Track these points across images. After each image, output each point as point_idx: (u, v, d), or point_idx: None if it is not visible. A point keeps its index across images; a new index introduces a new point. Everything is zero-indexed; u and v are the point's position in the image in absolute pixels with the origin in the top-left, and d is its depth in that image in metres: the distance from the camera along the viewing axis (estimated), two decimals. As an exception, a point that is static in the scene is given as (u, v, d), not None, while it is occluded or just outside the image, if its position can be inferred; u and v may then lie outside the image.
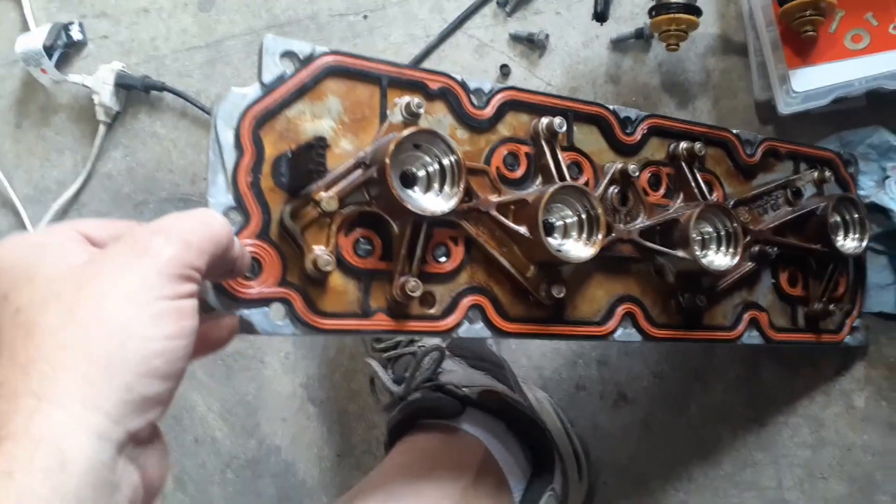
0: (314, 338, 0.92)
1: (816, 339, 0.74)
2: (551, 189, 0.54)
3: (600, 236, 0.55)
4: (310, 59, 0.50)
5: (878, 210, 0.79)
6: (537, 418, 0.77)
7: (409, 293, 0.50)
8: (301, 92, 0.49)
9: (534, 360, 0.87)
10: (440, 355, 0.75)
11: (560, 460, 0.77)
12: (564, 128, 0.57)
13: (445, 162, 0.51)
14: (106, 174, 0.99)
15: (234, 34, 0.98)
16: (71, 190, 0.98)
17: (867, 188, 0.80)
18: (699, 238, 0.63)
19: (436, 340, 0.79)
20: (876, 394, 0.80)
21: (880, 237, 0.80)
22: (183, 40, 1.00)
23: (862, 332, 0.78)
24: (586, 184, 0.60)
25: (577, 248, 0.56)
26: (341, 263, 0.50)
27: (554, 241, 0.56)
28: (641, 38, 0.88)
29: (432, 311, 0.53)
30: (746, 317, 0.68)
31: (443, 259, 0.54)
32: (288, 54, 0.49)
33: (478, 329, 0.54)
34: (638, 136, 0.64)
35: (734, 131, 0.70)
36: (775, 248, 0.70)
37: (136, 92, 0.98)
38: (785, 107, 0.78)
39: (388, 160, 0.47)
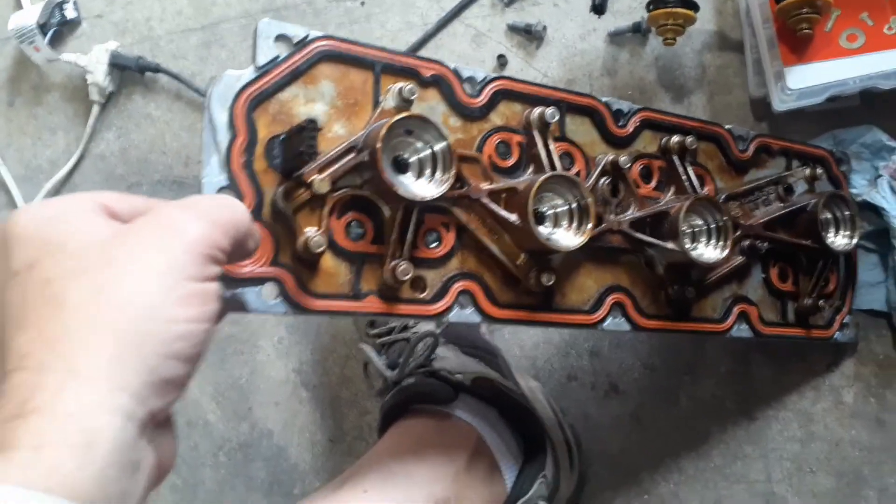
0: (307, 322, 0.92)
1: (806, 335, 0.74)
2: (542, 178, 0.54)
3: (590, 226, 0.56)
4: (304, 42, 0.50)
5: (870, 208, 0.79)
6: (530, 406, 0.77)
7: (400, 277, 0.50)
8: (294, 75, 0.49)
9: (526, 350, 0.88)
10: (434, 341, 0.75)
11: (552, 448, 0.78)
12: (557, 118, 0.58)
13: (437, 148, 0.51)
14: (99, 155, 0.99)
15: (230, 17, 0.98)
16: (63, 170, 0.98)
17: (859, 187, 0.80)
18: (689, 230, 0.64)
19: (430, 326, 0.79)
20: (865, 390, 0.81)
21: (871, 235, 0.80)
22: (178, 22, 0.99)
23: (852, 328, 0.78)
24: (578, 174, 0.60)
25: (567, 237, 0.56)
26: (333, 246, 0.50)
27: (544, 230, 0.56)
28: (639, 32, 0.88)
29: (423, 295, 0.53)
30: (736, 310, 0.69)
31: (434, 245, 0.54)
32: (282, 38, 0.49)
33: (467, 314, 0.55)
34: (630, 128, 0.64)
35: (727, 126, 0.70)
36: (765, 243, 0.70)
37: (130, 73, 0.98)
38: (779, 104, 0.79)
39: (379, 144, 0.47)
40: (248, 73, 0.48)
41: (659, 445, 0.84)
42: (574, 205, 0.56)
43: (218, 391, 0.93)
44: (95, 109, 0.98)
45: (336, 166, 0.49)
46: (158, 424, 0.37)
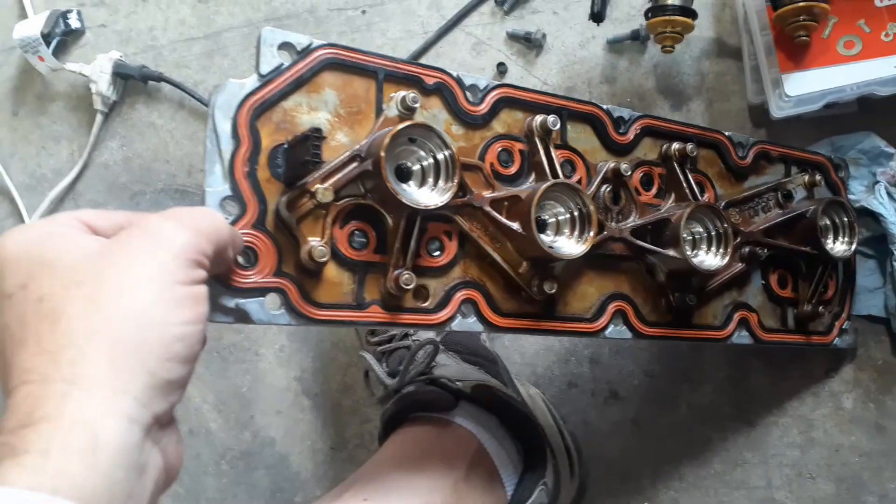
0: (308, 330, 0.92)
1: (806, 341, 0.74)
2: (544, 186, 0.54)
3: (592, 234, 0.56)
4: (307, 51, 0.50)
5: (868, 214, 0.79)
6: (530, 414, 0.77)
7: (403, 286, 0.50)
8: (298, 84, 0.50)
9: (527, 357, 0.88)
10: (434, 349, 0.75)
11: (552, 456, 0.78)
12: (558, 126, 0.58)
13: (440, 156, 0.51)
14: (102, 164, 0.99)
15: (233, 26, 0.98)
16: (67, 179, 0.98)
17: (857, 193, 0.80)
18: (690, 238, 0.64)
19: (430, 334, 0.79)
20: (864, 396, 0.81)
21: (870, 241, 0.81)
22: (181, 31, 1.00)
23: (851, 334, 0.79)
24: (579, 182, 0.60)
25: (569, 245, 0.56)
26: (336, 255, 0.50)
27: (546, 238, 0.56)
28: (637, 39, 0.89)
29: (426, 304, 0.53)
30: (736, 317, 0.69)
31: (437, 253, 0.54)
32: (285, 46, 0.50)
33: (470, 323, 0.55)
34: (631, 135, 0.64)
35: (726, 133, 0.71)
36: (765, 250, 0.70)
37: (133, 82, 0.98)
38: (777, 110, 0.79)
39: (383, 153, 0.48)
40: (252, 82, 0.48)
41: (659, 452, 0.84)
42: (576, 212, 0.57)
43: (220, 400, 0.93)
44: (99, 118, 0.98)
45: (339, 175, 0.49)
46: (162, 426, 0.38)
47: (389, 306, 0.52)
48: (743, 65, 0.86)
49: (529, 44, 0.92)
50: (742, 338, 0.69)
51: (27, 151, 1.02)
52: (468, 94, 0.56)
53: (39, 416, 0.33)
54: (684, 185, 0.65)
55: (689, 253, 0.62)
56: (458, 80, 0.56)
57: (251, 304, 0.47)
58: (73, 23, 1.00)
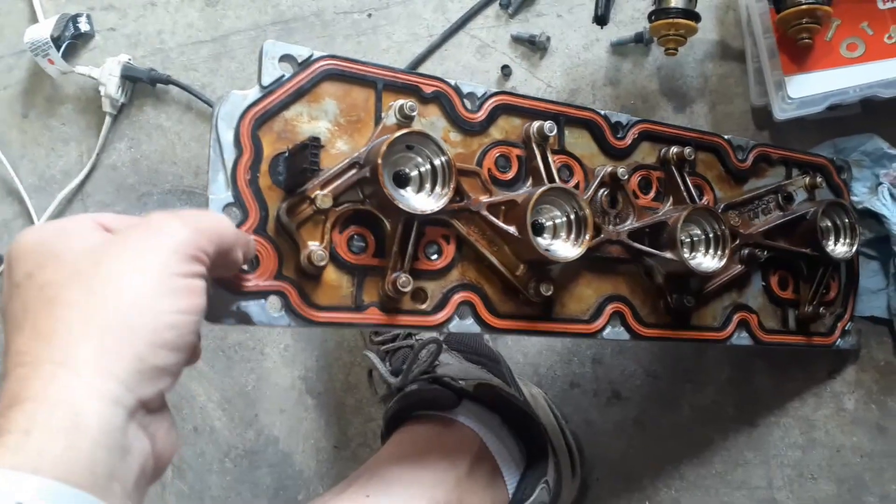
0: (313, 330, 0.93)
1: (807, 342, 0.75)
2: (540, 190, 0.55)
3: (588, 237, 0.57)
4: (307, 62, 0.51)
5: (871, 216, 0.80)
6: (532, 413, 0.78)
7: (401, 289, 0.52)
8: (299, 94, 0.51)
9: (529, 357, 0.89)
10: (437, 348, 0.76)
11: (554, 455, 0.78)
12: (555, 132, 0.59)
13: (436, 163, 0.52)
14: (110, 165, 1.01)
15: (240, 29, 1.00)
16: (76, 180, 1.00)
17: (860, 194, 0.80)
18: (687, 240, 0.65)
19: (433, 334, 0.80)
20: (866, 396, 0.82)
21: (872, 242, 0.81)
22: (189, 34, 1.01)
23: (854, 335, 0.79)
24: (576, 186, 0.61)
25: (565, 248, 0.57)
26: (335, 259, 0.52)
27: (543, 241, 0.57)
28: (641, 42, 0.89)
29: (423, 306, 0.54)
30: (736, 318, 0.69)
31: (434, 256, 0.55)
32: (287, 58, 0.51)
33: (468, 324, 0.56)
34: (629, 140, 0.65)
35: (726, 137, 0.71)
36: (765, 252, 0.71)
37: (141, 84, 1.00)
38: (780, 113, 0.79)
39: (380, 160, 0.49)
40: (254, 93, 0.50)
41: (661, 452, 0.85)
42: (572, 216, 0.58)
43: (224, 398, 0.94)
44: (107, 120, 1.00)
45: (338, 182, 0.50)
46: (151, 411, 0.39)
47: (388, 308, 0.53)
48: (746, 67, 0.86)
49: (534, 46, 0.92)
50: (742, 339, 0.70)
51: (37, 153, 1.03)
52: (466, 101, 0.57)
53: (25, 397, 0.35)
54: (682, 188, 0.66)
55: (686, 255, 0.63)
56: (456, 89, 0.57)
57: (252, 307, 0.48)
58: (83, 26, 1.02)
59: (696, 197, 0.66)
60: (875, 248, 0.81)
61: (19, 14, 1.06)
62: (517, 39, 0.93)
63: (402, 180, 0.53)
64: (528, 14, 0.93)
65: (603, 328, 0.62)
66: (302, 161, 0.48)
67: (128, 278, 0.38)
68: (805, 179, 0.75)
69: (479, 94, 0.58)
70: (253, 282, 0.48)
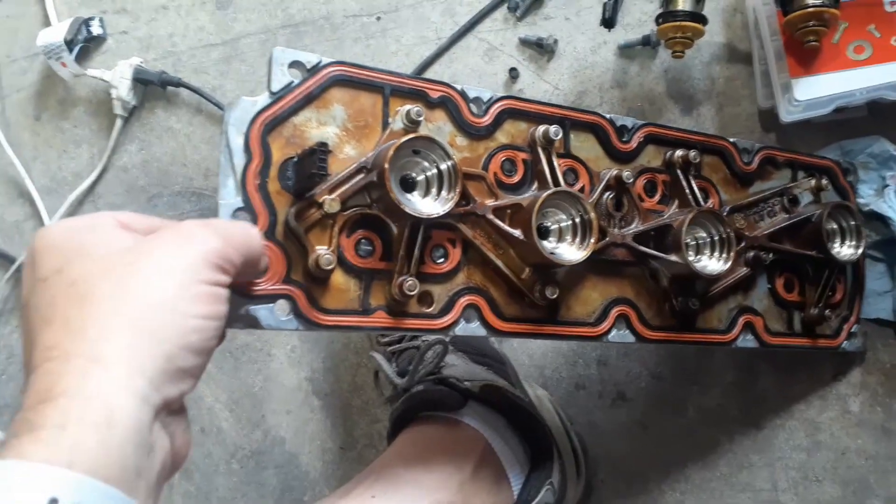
0: (319, 332, 0.94)
1: (812, 344, 0.75)
2: (545, 194, 0.55)
3: (593, 240, 0.57)
4: (316, 68, 0.52)
5: (877, 218, 0.80)
6: (537, 414, 0.78)
7: (407, 292, 0.52)
8: (307, 100, 0.52)
9: (535, 359, 0.89)
10: (443, 349, 0.76)
11: (559, 456, 0.79)
12: (560, 136, 0.59)
13: (442, 167, 0.53)
14: (121, 167, 1.02)
15: (250, 32, 1.00)
16: (87, 182, 1.01)
17: (867, 197, 0.81)
18: (692, 243, 0.65)
19: (438, 335, 0.80)
20: (871, 399, 0.82)
21: (879, 245, 0.81)
22: (200, 37, 1.02)
23: (860, 337, 0.79)
24: (582, 190, 0.62)
25: (570, 252, 0.57)
26: (343, 263, 0.52)
27: (548, 245, 0.57)
28: (648, 44, 0.89)
29: (430, 309, 0.55)
30: (741, 321, 0.70)
31: (441, 260, 0.56)
32: (296, 64, 0.51)
33: (474, 328, 0.56)
34: (634, 143, 0.65)
35: (731, 140, 0.71)
36: (770, 254, 0.71)
37: (152, 87, 1.01)
38: (787, 115, 0.79)
39: (387, 165, 0.49)
40: (263, 99, 0.50)
41: (665, 454, 0.85)
42: (577, 219, 0.58)
43: (232, 399, 0.95)
44: (119, 123, 1.01)
45: (346, 186, 0.51)
46: (172, 412, 0.40)
47: (394, 312, 0.54)
48: (753, 69, 0.86)
49: (541, 49, 0.93)
50: (747, 341, 0.70)
51: (49, 155, 1.04)
52: (472, 106, 0.58)
53: (58, 391, 0.35)
54: (687, 191, 0.66)
55: (691, 258, 0.63)
56: (462, 93, 0.57)
57: (261, 311, 0.49)
58: (96, 30, 1.03)
59: (701, 200, 0.66)
60: (881, 251, 0.82)
61: (33, 18, 1.08)
62: (525, 42, 0.93)
63: (408, 185, 0.54)
64: (535, 17, 0.94)
65: (608, 331, 0.62)
66: (310, 166, 0.49)
67: (158, 280, 0.39)
68: (811, 182, 0.76)
69: (485, 99, 0.58)
70: (262, 286, 0.49)
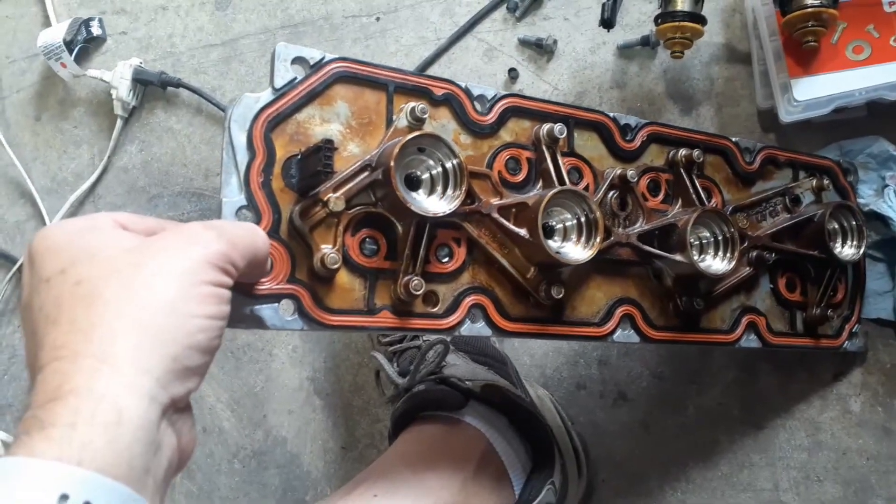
0: (321, 332, 0.94)
1: (814, 344, 0.75)
2: (550, 193, 0.55)
3: (598, 239, 0.57)
4: (319, 65, 0.52)
5: (877, 218, 0.80)
6: (538, 414, 0.78)
7: (413, 292, 0.52)
8: (311, 97, 0.51)
9: (536, 359, 0.89)
10: (444, 349, 0.76)
11: (560, 456, 0.79)
12: (564, 134, 0.59)
13: (448, 165, 0.53)
14: (122, 167, 1.01)
15: (250, 33, 1.00)
16: (87, 182, 1.01)
17: (866, 197, 0.81)
18: (696, 242, 0.65)
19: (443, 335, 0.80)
20: (872, 399, 0.82)
21: (879, 245, 0.81)
22: (199, 38, 1.02)
23: (861, 337, 0.79)
24: (586, 188, 0.62)
25: (576, 251, 0.57)
26: (348, 262, 0.52)
27: (553, 244, 0.57)
28: (647, 45, 0.90)
29: (435, 309, 0.55)
30: (744, 321, 0.70)
31: (446, 259, 0.56)
32: (299, 60, 0.51)
33: (479, 328, 0.56)
34: (637, 142, 0.65)
35: (733, 139, 0.71)
36: (773, 254, 0.71)
37: (152, 87, 1.01)
38: (786, 115, 0.80)
39: (392, 163, 0.49)
40: (266, 96, 0.50)
41: (666, 453, 0.85)
42: (582, 218, 0.58)
43: (233, 399, 0.95)
44: (119, 123, 1.00)
45: (351, 184, 0.51)
46: (178, 411, 0.40)
47: (399, 311, 0.53)
48: (752, 70, 0.86)
49: (541, 49, 0.93)
50: (750, 341, 0.70)
51: (49, 155, 1.04)
52: (476, 104, 0.58)
53: (68, 390, 0.35)
54: (691, 190, 0.66)
55: (695, 257, 0.63)
56: (467, 91, 0.57)
57: (265, 310, 0.49)
58: (95, 30, 1.03)
59: (704, 199, 0.67)
60: (881, 251, 0.82)
61: (32, 18, 1.07)
62: (524, 42, 0.93)
63: (413, 183, 0.53)
64: (534, 17, 0.94)
65: (613, 331, 0.62)
66: (315, 164, 0.48)
67: (163, 281, 0.39)
68: (812, 182, 0.76)
69: (490, 97, 0.58)
70: (266, 285, 0.49)
